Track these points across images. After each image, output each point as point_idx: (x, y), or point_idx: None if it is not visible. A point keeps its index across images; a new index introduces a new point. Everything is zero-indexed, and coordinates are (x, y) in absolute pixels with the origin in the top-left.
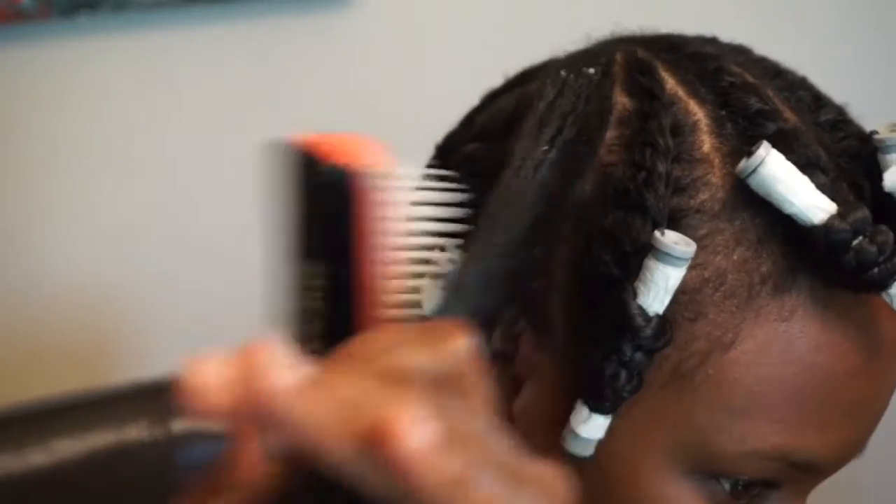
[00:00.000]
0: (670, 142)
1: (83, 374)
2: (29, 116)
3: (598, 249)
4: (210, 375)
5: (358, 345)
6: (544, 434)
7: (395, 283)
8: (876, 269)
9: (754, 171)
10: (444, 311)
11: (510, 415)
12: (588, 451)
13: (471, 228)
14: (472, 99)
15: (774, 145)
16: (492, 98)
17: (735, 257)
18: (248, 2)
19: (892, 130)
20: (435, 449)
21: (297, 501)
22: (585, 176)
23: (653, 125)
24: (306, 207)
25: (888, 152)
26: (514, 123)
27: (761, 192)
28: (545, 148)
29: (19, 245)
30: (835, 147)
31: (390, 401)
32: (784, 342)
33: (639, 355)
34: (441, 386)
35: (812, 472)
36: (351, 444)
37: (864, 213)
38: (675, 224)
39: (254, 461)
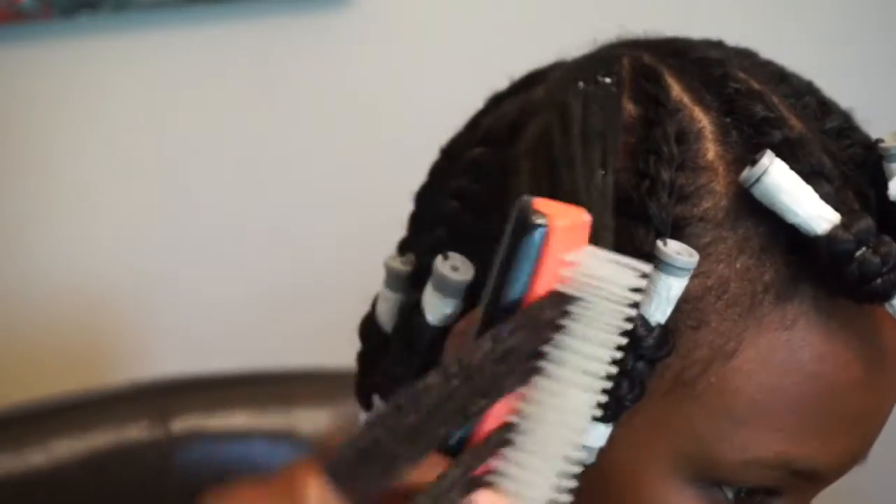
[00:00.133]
0: (674, 149)
1: (83, 374)
2: (29, 116)
3: None
4: None
5: None
6: None
7: None
8: (879, 280)
9: (758, 180)
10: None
11: None
12: (589, 459)
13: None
14: (471, 99)
15: (779, 154)
16: (497, 102)
17: (738, 266)
18: (248, 2)
19: None
20: None
21: None
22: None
23: (657, 133)
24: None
25: (894, 161)
26: (518, 129)
27: (765, 201)
28: (601, 172)
29: (19, 245)
30: (840, 155)
31: None
32: (786, 351)
33: (641, 364)
34: None
35: (814, 479)
36: None
37: (867, 223)
38: (678, 232)
39: None
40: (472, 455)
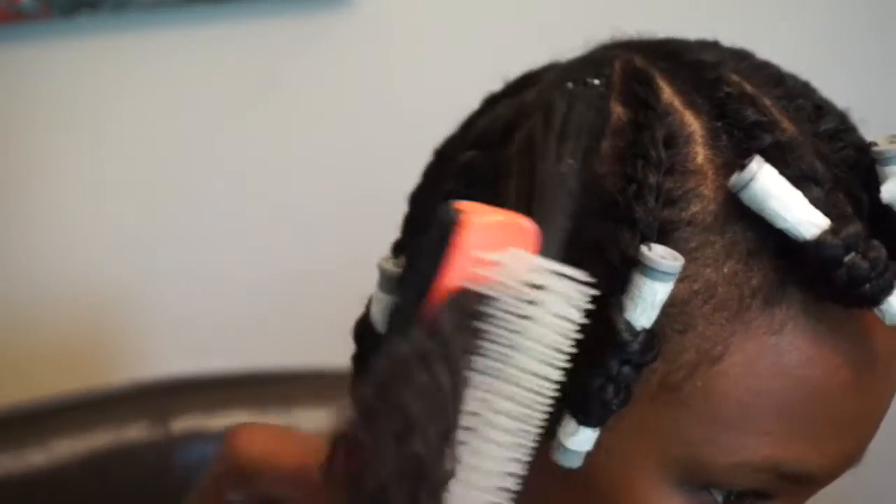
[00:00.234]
0: (663, 154)
1: (83, 374)
2: (29, 116)
3: (587, 262)
4: None
5: None
6: (537, 444)
7: None
8: (867, 286)
9: (746, 185)
10: None
11: None
12: (576, 462)
13: None
14: (472, 99)
15: (769, 158)
16: (491, 104)
17: (725, 270)
18: (248, 2)
19: (892, 142)
20: None
21: None
22: (582, 193)
23: (646, 136)
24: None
25: (886, 164)
26: (511, 132)
27: (753, 206)
28: (570, 161)
29: (19, 245)
30: (833, 157)
31: None
32: (774, 355)
33: (626, 369)
34: None
35: (805, 483)
36: None
37: (856, 228)
38: (665, 236)
39: None
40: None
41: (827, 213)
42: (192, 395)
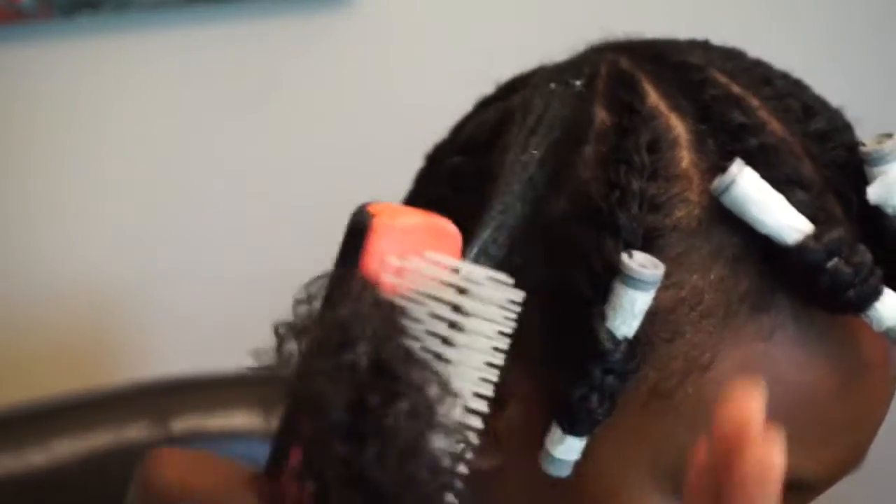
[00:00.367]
0: (646, 158)
1: (84, 374)
2: (29, 116)
3: (571, 270)
4: None
5: None
6: (527, 453)
7: None
8: (852, 291)
9: (727, 189)
10: None
11: (495, 433)
12: (564, 472)
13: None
14: (471, 99)
15: (754, 160)
16: (481, 108)
17: (712, 276)
18: (248, 2)
19: (880, 142)
20: None
21: None
22: (561, 192)
23: (629, 142)
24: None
25: (874, 164)
26: (497, 136)
27: (735, 210)
28: (533, 152)
29: (19, 245)
30: (823, 158)
31: None
32: (764, 362)
33: (609, 379)
34: None
35: (801, 489)
36: None
37: (839, 232)
38: (650, 243)
39: None
40: None
41: (814, 217)
42: (192, 395)
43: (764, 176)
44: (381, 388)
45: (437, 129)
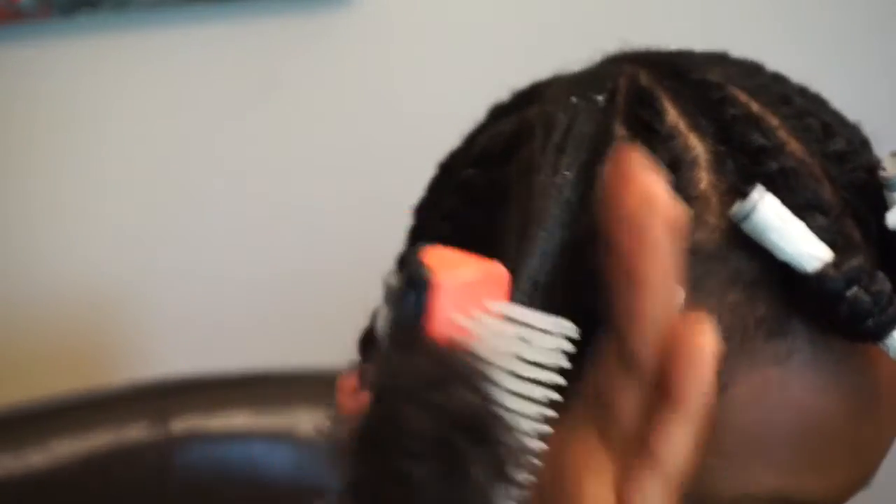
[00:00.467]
0: (665, 179)
1: (83, 374)
2: (28, 116)
3: (591, 293)
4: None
5: None
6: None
7: None
8: (870, 321)
9: (747, 216)
10: None
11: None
12: None
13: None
14: (471, 99)
15: (774, 185)
16: (495, 117)
17: (729, 300)
18: (247, 2)
19: None
20: None
21: None
22: (587, 214)
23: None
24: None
25: (893, 189)
26: (513, 149)
27: (754, 237)
28: (566, 173)
29: (19, 245)
30: (842, 180)
31: None
32: (779, 387)
33: None
34: None
35: None
36: None
37: (859, 261)
38: None
39: None
40: None
41: (832, 242)
42: (192, 395)
43: (783, 200)
44: (467, 432)
45: (437, 128)
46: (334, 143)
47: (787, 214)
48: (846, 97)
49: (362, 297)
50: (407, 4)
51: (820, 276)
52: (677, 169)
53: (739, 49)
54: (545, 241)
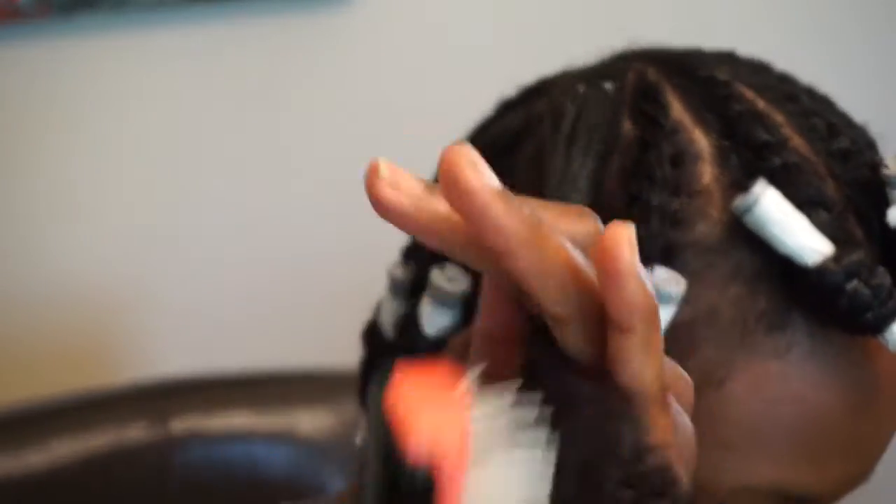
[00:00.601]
0: (668, 173)
1: (83, 374)
2: (27, 116)
3: None
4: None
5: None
6: None
7: None
8: (870, 314)
9: (749, 209)
10: None
11: None
12: None
13: None
14: (472, 99)
15: (777, 179)
16: (503, 111)
17: (730, 293)
18: (248, 2)
19: None
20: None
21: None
22: (596, 205)
23: (652, 155)
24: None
25: (895, 187)
26: (520, 140)
27: (756, 230)
28: (579, 163)
29: (18, 245)
30: (845, 177)
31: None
32: (779, 380)
33: None
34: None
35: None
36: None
37: (859, 255)
38: (669, 257)
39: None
40: None
41: (834, 238)
42: (192, 395)
43: (786, 195)
44: None
45: (437, 128)
46: (334, 143)
47: (788, 208)
48: (850, 99)
49: (362, 297)
50: (407, 4)
51: (820, 270)
52: (681, 163)
53: (744, 50)
54: None
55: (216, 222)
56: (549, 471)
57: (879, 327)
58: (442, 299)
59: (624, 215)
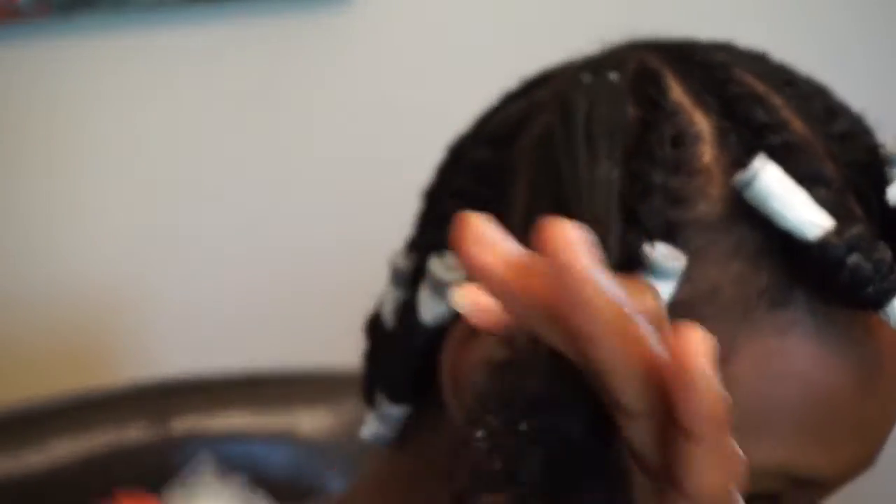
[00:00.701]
0: (669, 153)
1: (83, 374)
2: (26, 115)
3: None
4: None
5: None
6: None
7: None
8: (871, 288)
9: (749, 184)
10: None
11: None
12: None
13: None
14: (472, 98)
15: (777, 158)
16: (506, 102)
17: (731, 271)
18: (248, 2)
19: None
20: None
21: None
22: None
23: (653, 136)
24: None
25: (895, 165)
26: (521, 129)
27: (756, 205)
28: (609, 164)
29: (17, 245)
30: (844, 159)
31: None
32: (781, 358)
33: None
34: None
35: (817, 487)
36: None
37: (860, 229)
38: (671, 236)
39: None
40: None
41: (834, 214)
42: (192, 395)
43: (785, 172)
44: None
45: (437, 128)
46: (334, 143)
47: (788, 183)
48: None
49: (363, 298)
50: (407, 4)
51: (821, 244)
52: (681, 143)
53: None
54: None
55: (216, 222)
56: None
57: (881, 302)
58: (440, 287)
59: (626, 195)
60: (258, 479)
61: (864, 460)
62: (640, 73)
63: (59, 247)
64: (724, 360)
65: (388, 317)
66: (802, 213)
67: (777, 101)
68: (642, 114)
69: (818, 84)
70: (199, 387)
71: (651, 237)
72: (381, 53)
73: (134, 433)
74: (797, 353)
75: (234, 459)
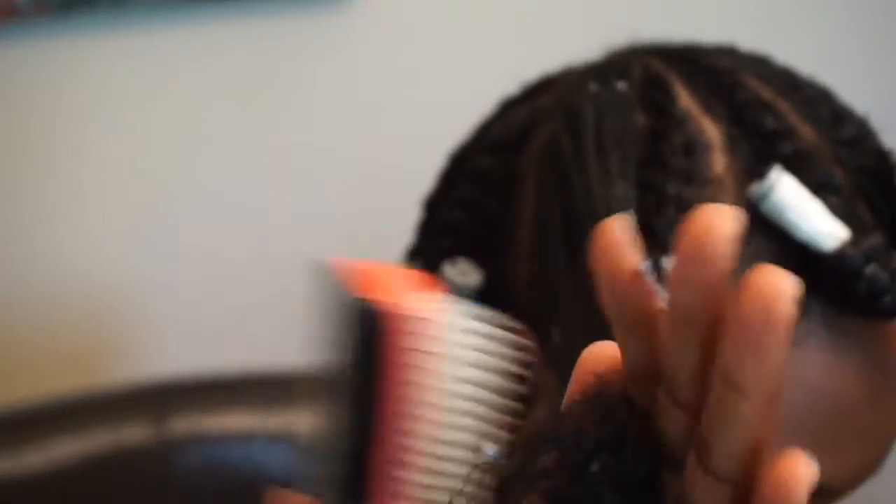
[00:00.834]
0: (682, 162)
1: (83, 375)
2: (25, 115)
3: None
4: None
5: None
6: None
7: (422, 447)
8: (888, 297)
9: (765, 196)
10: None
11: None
12: None
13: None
14: (472, 99)
15: (788, 166)
16: (506, 108)
17: None
18: (248, 2)
19: None
20: None
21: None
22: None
23: (664, 146)
24: (336, 342)
25: None
26: (527, 137)
27: (772, 217)
28: (622, 183)
29: (17, 246)
30: (853, 164)
31: None
32: (795, 368)
33: None
34: None
35: (825, 494)
36: None
37: (877, 239)
38: None
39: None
40: None
41: (846, 223)
42: (191, 395)
43: (799, 181)
44: None
45: (437, 128)
46: (334, 143)
47: (804, 194)
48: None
49: None
50: (407, 5)
51: (839, 254)
52: (692, 152)
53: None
54: None
55: (216, 222)
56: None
57: None
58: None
59: (639, 206)
60: (258, 479)
61: (870, 467)
62: (647, 80)
63: (59, 247)
64: None
65: None
66: (819, 224)
67: (784, 106)
68: (651, 122)
69: (821, 87)
70: (198, 387)
71: (666, 250)
72: (380, 53)
73: (133, 433)
74: (810, 362)
75: (234, 460)
